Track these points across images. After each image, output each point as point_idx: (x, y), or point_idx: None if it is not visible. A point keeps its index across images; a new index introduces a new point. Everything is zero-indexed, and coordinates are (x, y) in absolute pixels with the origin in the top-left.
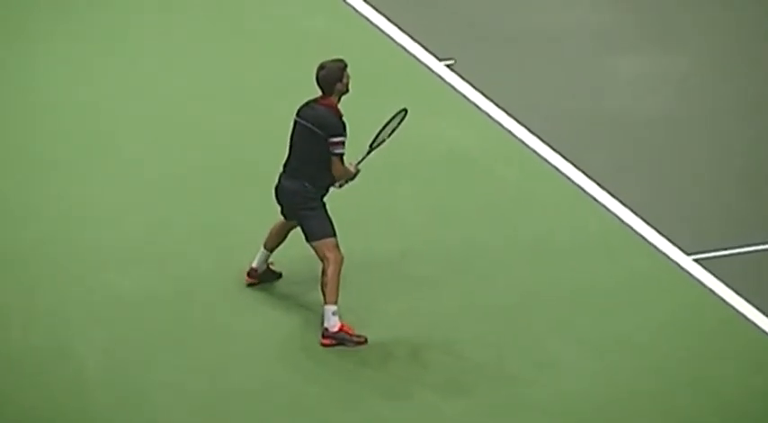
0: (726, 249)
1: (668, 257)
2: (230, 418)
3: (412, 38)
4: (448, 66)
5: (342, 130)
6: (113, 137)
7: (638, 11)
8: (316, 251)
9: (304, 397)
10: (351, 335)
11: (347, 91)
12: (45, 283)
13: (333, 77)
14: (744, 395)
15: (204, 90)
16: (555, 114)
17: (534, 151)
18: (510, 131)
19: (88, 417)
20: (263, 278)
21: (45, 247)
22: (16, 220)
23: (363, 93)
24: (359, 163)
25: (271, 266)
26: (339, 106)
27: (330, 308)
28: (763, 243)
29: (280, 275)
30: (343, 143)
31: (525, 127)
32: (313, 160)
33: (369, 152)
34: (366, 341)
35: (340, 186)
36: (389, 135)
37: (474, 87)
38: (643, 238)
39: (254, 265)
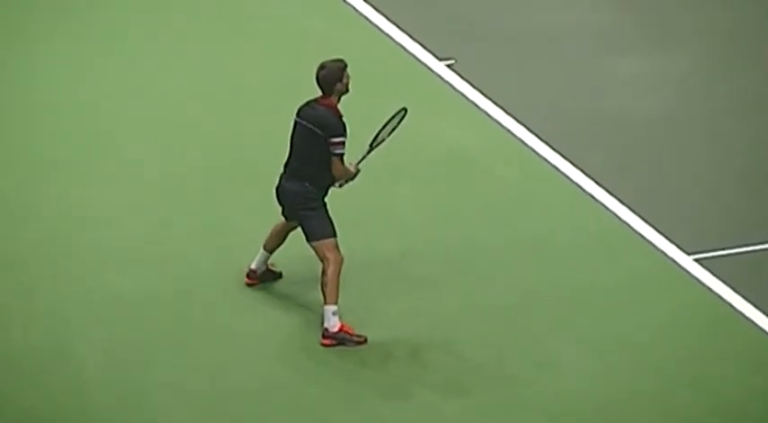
0: (725, 249)
1: (668, 257)
2: (230, 418)
3: (412, 37)
4: (448, 65)
5: (342, 131)
6: (113, 137)
7: (637, 11)
8: (316, 251)
9: (304, 397)
10: (351, 335)
11: (347, 91)
12: (45, 283)
13: (333, 77)
14: (744, 395)
15: (204, 90)
16: (554, 114)
17: (534, 151)
18: (510, 131)
19: (88, 417)
20: (262, 279)
21: (45, 247)
22: (16, 220)
23: (363, 93)
24: (359, 162)
25: (271, 267)
26: (339, 106)
27: (330, 308)
28: (763, 243)
29: (280, 275)
30: (343, 143)
31: (525, 127)
32: (313, 160)
33: (369, 151)
34: (366, 341)
35: (340, 186)
36: (389, 134)
37: (474, 87)
38: (643, 237)
39: (254, 266)
